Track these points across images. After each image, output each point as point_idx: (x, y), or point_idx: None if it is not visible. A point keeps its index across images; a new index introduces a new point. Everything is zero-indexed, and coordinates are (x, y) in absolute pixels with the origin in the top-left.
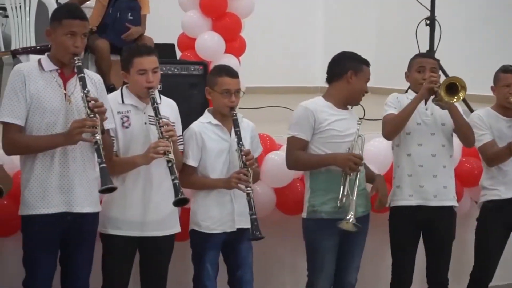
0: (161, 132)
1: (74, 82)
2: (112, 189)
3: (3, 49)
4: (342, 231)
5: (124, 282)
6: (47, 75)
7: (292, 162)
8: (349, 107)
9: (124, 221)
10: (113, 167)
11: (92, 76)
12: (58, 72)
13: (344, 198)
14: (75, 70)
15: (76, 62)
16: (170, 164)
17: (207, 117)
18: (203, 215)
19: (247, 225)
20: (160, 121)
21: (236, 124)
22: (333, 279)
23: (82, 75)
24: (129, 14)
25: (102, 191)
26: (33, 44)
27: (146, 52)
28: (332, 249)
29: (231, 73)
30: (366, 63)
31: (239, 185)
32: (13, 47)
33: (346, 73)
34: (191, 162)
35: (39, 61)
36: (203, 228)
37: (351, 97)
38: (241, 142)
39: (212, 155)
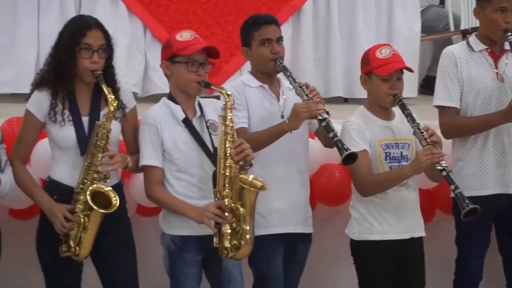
0: None
1: (504, 60)
2: None
3: (453, 29)
4: None
5: None
6: (477, 55)
7: None
8: None
9: None
10: None
11: None
12: (488, 51)
13: None
14: (506, 47)
15: (509, 37)
16: None
17: None
18: None
19: None
20: None
21: None
22: None
23: None
24: None
25: None
26: None
27: None
28: None
29: None
30: None
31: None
32: (462, 27)
33: None
34: None
35: (467, 41)
36: None
37: None
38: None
39: None
